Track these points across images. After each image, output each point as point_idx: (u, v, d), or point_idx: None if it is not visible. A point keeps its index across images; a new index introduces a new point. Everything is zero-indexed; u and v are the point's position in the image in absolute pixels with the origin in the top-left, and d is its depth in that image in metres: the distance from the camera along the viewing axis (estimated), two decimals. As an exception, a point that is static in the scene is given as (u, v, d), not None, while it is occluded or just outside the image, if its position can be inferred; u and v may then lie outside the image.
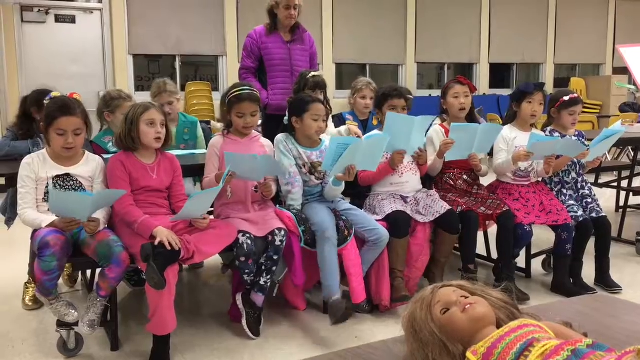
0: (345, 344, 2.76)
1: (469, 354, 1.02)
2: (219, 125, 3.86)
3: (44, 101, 3.17)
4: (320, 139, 3.20)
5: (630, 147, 7.34)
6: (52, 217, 2.56)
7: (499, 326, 1.07)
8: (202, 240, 2.67)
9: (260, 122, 4.40)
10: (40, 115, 3.25)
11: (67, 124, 2.63)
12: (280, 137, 3.18)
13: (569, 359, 0.92)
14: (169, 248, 2.49)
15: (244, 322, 2.87)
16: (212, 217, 2.91)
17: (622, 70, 10.11)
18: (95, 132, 3.62)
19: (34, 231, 2.67)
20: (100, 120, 3.62)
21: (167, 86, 3.76)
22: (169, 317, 2.55)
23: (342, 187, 3.12)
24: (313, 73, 3.70)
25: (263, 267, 2.87)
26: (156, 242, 2.49)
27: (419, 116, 3.20)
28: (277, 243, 2.84)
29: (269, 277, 2.89)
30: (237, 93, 3.02)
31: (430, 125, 3.54)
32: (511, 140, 3.48)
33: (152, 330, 2.57)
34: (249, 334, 2.86)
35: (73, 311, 2.60)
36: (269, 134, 3.32)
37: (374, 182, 3.37)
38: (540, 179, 3.62)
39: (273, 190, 3.06)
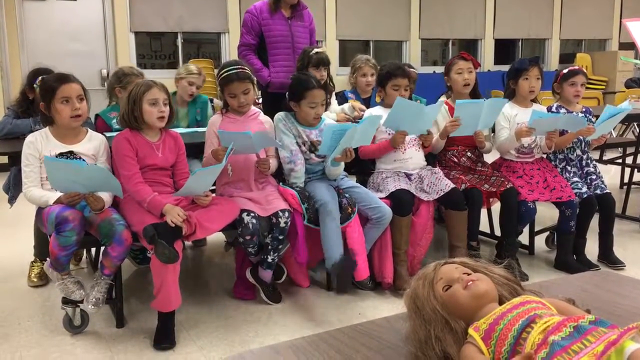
0: (348, 320, 2.78)
1: (471, 331, 1.02)
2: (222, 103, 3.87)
3: (34, 85, 3.16)
4: (321, 118, 3.18)
5: (635, 124, 7.31)
6: (57, 194, 2.57)
7: (501, 303, 1.07)
8: (204, 217, 2.67)
9: (260, 100, 4.38)
10: (35, 95, 3.26)
11: (69, 90, 2.64)
12: (279, 115, 3.16)
13: (571, 335, 0.92)
14: (172, 225, 2.51)
15: (262, 295, 3.00)
16: (214, 195, 2.91)
17: (629, 45, 10.01)
18: (99, 109, 3.63)
19: (39, 209, 2.68)
20: (109, 96, 3.65)
21: (202, 73, 3.89)
22: (174, 294, 2.57)
23: (342, 166, 3.11)
24: (316, 50, 3.66)
25: (270, 247, 2.89)
26: (169, 222, 2.51)
27: (428, 105, 3.20)
28: (282, 225, 2.85)
29: (275, 254, 2.92)
30: (225, 74, 2.97)
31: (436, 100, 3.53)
32: (512, 117, 3.46)
33: (157, 307, 2.59)
34: (270, 303, 2.99)
35: (80, 290, 2.63)
36: (271, 113, 3.30)
37: (374, 156, 3.36)
38: (544, 156, 3.60)
39: (271, 166, 3.05)
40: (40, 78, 2.97)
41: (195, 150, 3.15)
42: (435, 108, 3.22)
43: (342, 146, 2.89)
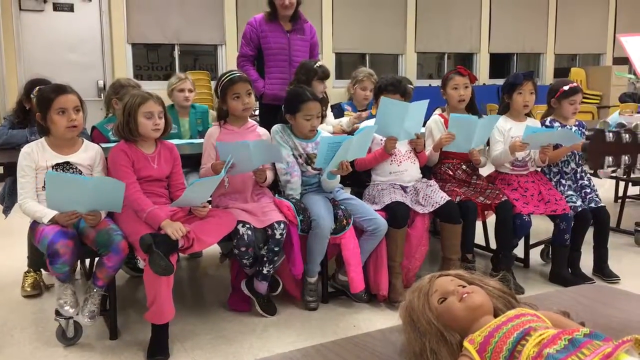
0: (343, 332, 2.77)
1: (466, 343, 1.02)
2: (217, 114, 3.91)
3: (31, 95, 3.18)
4: (317, 130, 3.19)
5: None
6: (52, 212, 2.55)
7: (496, 315, 1.07)
8: (201, 230, 2.67)
9: (257, 112, 4.41)
10: (32, 106, 3.28)
11: (66, 101, 2.63)
12: (276, 127, 3.17)
13: (566, 348, 0.92)
14: (173, 239, 2.51)
15: (257, 307, 2.98)
16: (210, 206, 2.91)
17: (623, 60, 10.08)
18: (95, 120, 3.64)
19: (33, 222, 2.67)
20: (106, 108, 3.68)
21: (188, 77, 3.94)
22: (167, 306, 2.56)
23: (338, 179, 3.12)
24: (319, 63, 3.70)
25: (265, 258, 2.89)
26: (170, 235, 2.51)
27: (412, 102, 3.19)
28: (278, 237, 2.85)
29: (271, 266, 2.91)
30: (228, 77, 3.04)
31: (431, 113, 3.53)
32: (506, 131, 3.48)
33: (150, 319, 2.57)
34: (265, 315, 2.97)
35: (73, 308, 2.57)
36: (266, 124, 3.31)
37: (371, 166, 3.35)
38: (538, 169, 3.62)
39: (268, 177, 3.05)
40: (37, 88, 2.98)
41: (194, 162, 3.15)
42: (420, 106, 3.19)
43: (338, 159, 2.90)
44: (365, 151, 3.14)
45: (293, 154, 3.12)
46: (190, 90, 3.88)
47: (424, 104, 3.19)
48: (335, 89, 7.77)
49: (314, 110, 3.08)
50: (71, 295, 2.59)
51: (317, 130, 3.18)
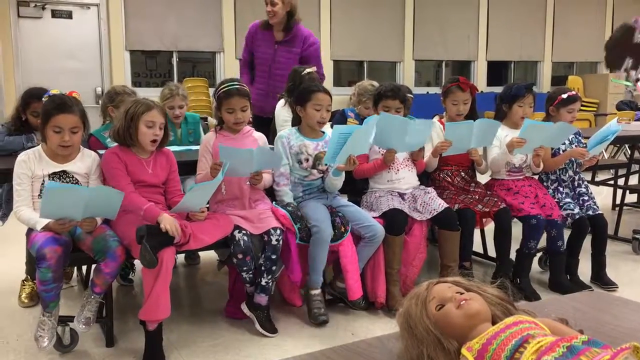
0: (341, 340, 2.76)
1: (464, 351, 1.02)
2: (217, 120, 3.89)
3: (43, 98, 3.17)
4: (323, 132, 3.20)
5: (626, 145, 7.36)
6: (46, 220, 2.53)
7: (494, 322, 1.06)
8: (199, 229, 2.67)
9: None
10: (27, 115, 3.31)
11: (63, 122, 2.61)
12: (282, 133, 3.18)
13: (564, 355, 0.92)
14: (170, 234, 2.50)
15: (257, 326, 2.87)
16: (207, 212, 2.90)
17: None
18: (93, 127, 3.63)
19: (29, 229, 2.66)
20: (103, 115, 3.67)
21: (179, 90, 3.82)
22: (163, 301, 2.52)
23: (343, 177, 3.11)
24: (307, 70, 3.67)
25: (263, 268, 2.87)
26: (162, 227, 2.50)
27: (417, 119, 3.18)
28: (274, 243, 2.84)
29: (269, 277, 2.88)
30: (226, 88, 2.98)
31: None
32: (503, 137, 3.47)
33: (144, 316, 2.53)
34: (266, 333, 2.85)
35: (47, 341, 2.53)
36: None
37: (369, 175, 3.35)
38: (535, 176, 3.62)
39: (264, 181, 3.03)
40: (47, 94, 2.97)
41: (187, 168, 3.14)
42: (426, 124, 3.20)
43: (347, 151, 2.88)
44: (367, 148, 3.13)
45: (299, 160, 3.11)
46: (180, 107, 3.77)
47: (429, 124, 3.20)
48: (334, 96, 7.76)
49: (324, 101, 3.09)
50: (49, 330, 2.54)
51: (324, 132, 3.19)
